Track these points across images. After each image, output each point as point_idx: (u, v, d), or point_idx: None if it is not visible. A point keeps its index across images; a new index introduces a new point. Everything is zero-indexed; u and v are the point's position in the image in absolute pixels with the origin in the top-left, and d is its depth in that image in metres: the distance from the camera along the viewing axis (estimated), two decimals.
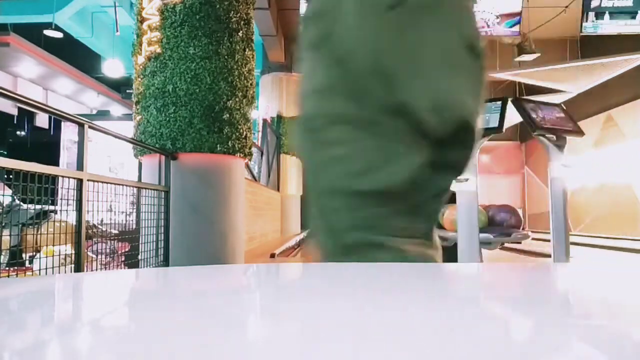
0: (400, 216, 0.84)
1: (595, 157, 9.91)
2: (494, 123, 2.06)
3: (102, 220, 3.06)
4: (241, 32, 3.98)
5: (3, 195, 3.18)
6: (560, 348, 0.32)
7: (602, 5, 6.87)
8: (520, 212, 2.56)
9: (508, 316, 0.43)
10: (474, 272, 0.78)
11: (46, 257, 2.33)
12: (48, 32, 9.96)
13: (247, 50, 4.05)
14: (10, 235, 2.55)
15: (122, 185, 3.05)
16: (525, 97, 3.76)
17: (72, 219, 2.51)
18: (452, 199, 2.25)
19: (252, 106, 4.13)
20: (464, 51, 0.81)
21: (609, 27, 6.94)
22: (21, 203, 3.19)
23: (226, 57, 3.81)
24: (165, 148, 3.65)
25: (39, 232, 2.78)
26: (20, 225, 2.96)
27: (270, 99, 11.52)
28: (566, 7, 8.58)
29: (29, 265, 2.74)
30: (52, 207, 3.16)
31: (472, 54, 0.83)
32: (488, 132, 2.08)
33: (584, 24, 6.97)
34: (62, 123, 8.70)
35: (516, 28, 7.37)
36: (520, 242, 2.54)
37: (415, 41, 0.77)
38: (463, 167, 0.85)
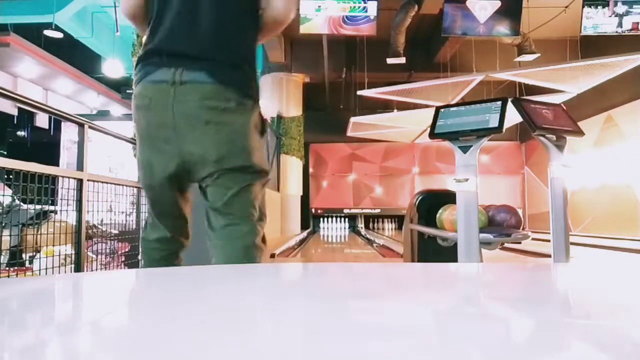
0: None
1: (595, 157, 9.91)
2: (494, 123, 2.05)
3: (102, 220, 3.06)
4: None
5: (3, 195, 3.18)
6: (560, 347, 0.32)
7: None
8: (520, 212, 2.56)
9: (508, 316, 0.44)
10: (474, 272, 0.78)
11: (46, 257, 2.33)
12: (48, 32, 9.95)
13: None
14: (10, 235, 2.55)
15: (122, 185, 3.05)
16: (525, 97, 3.76)
17: (72, 219, 2.51)
18: (452, 199, 2.25)
19: None
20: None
21: (609, 27, 6.94)
22: (21, 203, 3.18)
23: None
24: None
25: (39, 232, 2.78)
26: (20, 226, 2.95)
27: (270, 99, 11.52)
28: (566, 7, 8.58)
29: (29, 266, 2.74)
30: (52, 207, 3.16)
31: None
32: (488, 132, 2.08)
33: (584, 24, 6.96)
34: (62, 123, 8.69)
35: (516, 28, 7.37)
36: (520, 242, 2.54)
37: None
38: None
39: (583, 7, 6.99)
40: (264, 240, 1.42)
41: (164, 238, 1.48)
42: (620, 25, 6.81)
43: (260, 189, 1.40)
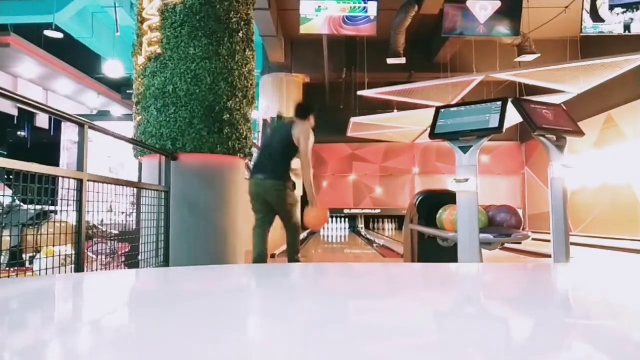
0: None
1: (595, 157, 9.91)
2: (494, 123, 2.05)
3: (102, 221, 3.06)
4: (241, 32, 3.98)
5: (3, 196, 3.18)
6: (560, 347, 0.32)
7: None
8: (520, 212, 2.56)
9: (508, 316, 0.44)
10: (474, 272, 0.78)
11: (46, 257, 2.33)
12: (48, 32, 9.96)
13: (247, 50, 4.04)
14: (10, 235, 2.55)
15: (122, 185, 3.05)
16: (525, 97, 3.76)
17: (72, 219, 2.51)
18: (452, 199, 2.25)
19: (252, 106, 4.13)
20: None
21: (608, 27, 6.94)
22: (21, 203, 3.19)
23: (226, 57, 3.81)
24: (165, 148, 3.65)
25: (39, 232, 2.78)
26: (20, 226, 2.95)
27: (270, 99, 11.53)
28: (566, 7, 8.58)
29: (29, 266, 2.74)
30: (52, 208, 3.16)
31: None
32: (488, 132, 2.08)
33: (584, 24, 6.97)
34: (62, 123, 8.70)
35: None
36: (520, 242, 2.54)
37: None
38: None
39: (583, 7, 6.99)
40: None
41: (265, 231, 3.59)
42: (627, 28, 6.80)
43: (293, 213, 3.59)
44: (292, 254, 3.71)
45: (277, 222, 3.63)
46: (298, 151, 3.48)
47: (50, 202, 2.73)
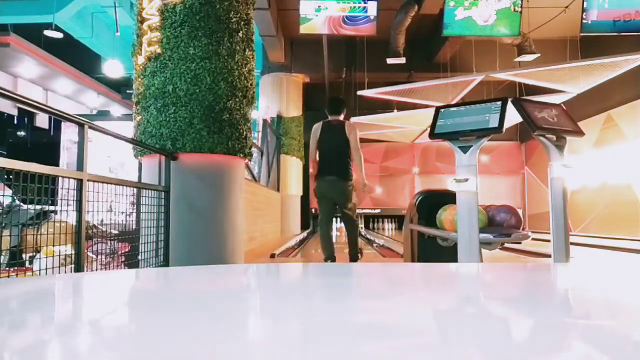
0: None
1: (595, 157, 9.91)
2: (494, 123, 2.05)
3: (102, 221, 3.06)
4: (241, 32, 3.98)
5: (3, 196, 3.18)
6: (560, 347, 0.32)
7: None
8: (520, 212, 2.56)
9: (508, 316, 0.44)
10: (474, 272, 0.78)
11: (46, 257, 2.33)
12: (48, 33, 9.96)
13: (247, 50, 4.04)
14: (10, 235, 2.55)
15: (122, 185, 3.05)
16: (525, 97, 3.76)
17: (72, 219, 2.51)
18: (452, 199, 2.25)
19: (252, 106, 4.13)
20: None
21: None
22: (21, 203, 3.19)
23: (226, 57, 3.81)
24: (165, 148, 3.65)
25: (39, 232, 2.78)
26: (20, 226, 2.95)
27: (270, 99, 11.52)
28: (566, 7, 8.58)
29: (29, 266, 2.74)
30: (52, 208, 3.16)
31: None
32: (488, 132, 2.08)
33: (584, 20, 6.97)
34: (62, 123, 8.70)
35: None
36: (520, 242, 2.53)
37: None
38: None
39: (583, 6, 7.00)
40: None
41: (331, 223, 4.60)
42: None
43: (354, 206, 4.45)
44: (355, 253, 4.54)
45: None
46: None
47: (50, 202, 2.73)
